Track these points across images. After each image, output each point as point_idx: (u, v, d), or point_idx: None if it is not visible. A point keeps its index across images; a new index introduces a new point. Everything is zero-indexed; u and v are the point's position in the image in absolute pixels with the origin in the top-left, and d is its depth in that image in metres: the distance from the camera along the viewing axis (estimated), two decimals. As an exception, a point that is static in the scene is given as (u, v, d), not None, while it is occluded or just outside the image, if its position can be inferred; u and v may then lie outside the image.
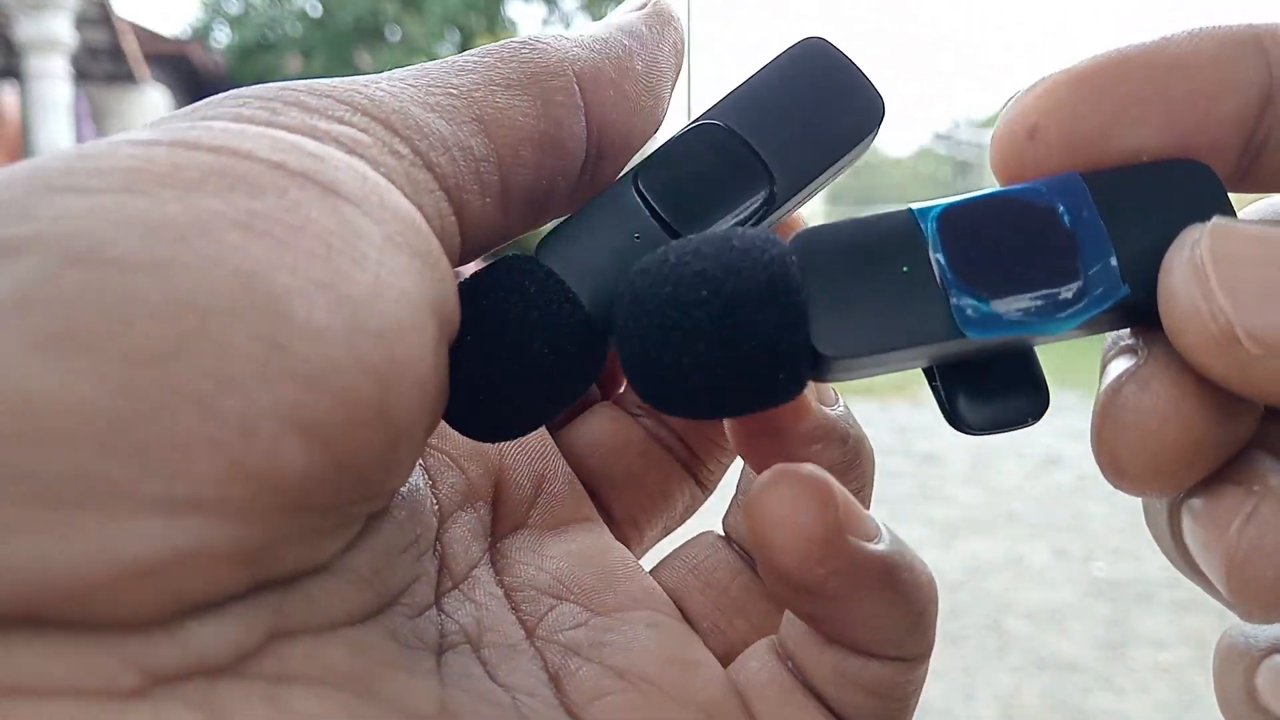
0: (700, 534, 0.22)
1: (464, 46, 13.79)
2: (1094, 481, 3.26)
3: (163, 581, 0.13)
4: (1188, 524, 0.16)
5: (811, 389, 0.19)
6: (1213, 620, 2.07)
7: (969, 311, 0.16)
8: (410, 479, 0.19)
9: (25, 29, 5.67)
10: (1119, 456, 0.16)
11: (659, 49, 0.20)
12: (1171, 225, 0.16)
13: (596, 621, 0.19)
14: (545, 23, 15.54)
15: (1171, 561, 0.18)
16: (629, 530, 0.22)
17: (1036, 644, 2.00)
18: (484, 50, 0.18)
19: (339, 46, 14.25)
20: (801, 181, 0.19)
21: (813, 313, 0.16)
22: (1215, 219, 0.15)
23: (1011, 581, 2.33)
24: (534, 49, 0.18)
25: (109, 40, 6.75)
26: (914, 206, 0.17)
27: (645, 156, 0.19)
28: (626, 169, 0.19)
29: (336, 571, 0.16)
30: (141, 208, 0.13)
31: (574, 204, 0.19)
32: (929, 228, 0.16)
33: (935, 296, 0.16)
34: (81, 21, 6.13)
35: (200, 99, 0.17)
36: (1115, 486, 0.16)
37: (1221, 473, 0.16)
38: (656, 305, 0.16)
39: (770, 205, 0.19)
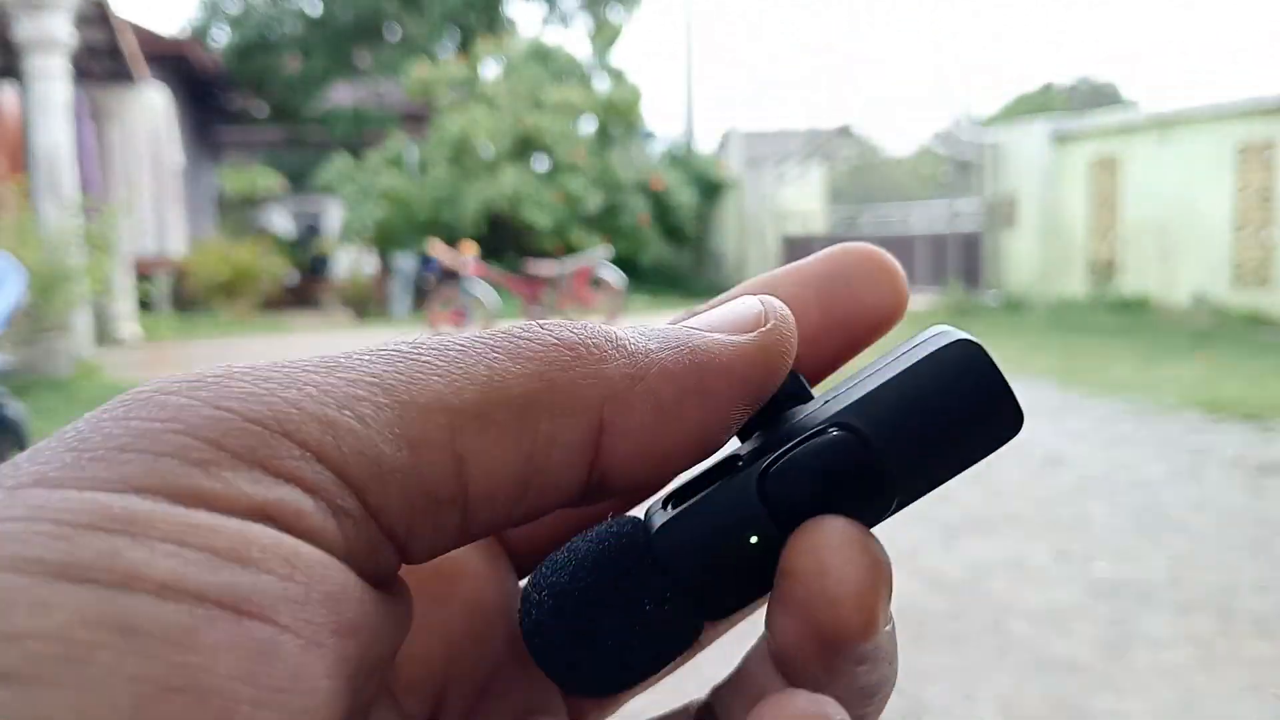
0: (681, 711, 0.19)
1: (464, 45, 13.80)
2: (1095, 482, 3.25)
3: None
4: None
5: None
6: (1213, 621, 2.07)
7: None
8: None
9: (25, 29, 5.67)
10: None
11: (744, 385, 0.17)
12: None
13: None
14: (544, 22, 15.54)
15: None
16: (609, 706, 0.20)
17: (1037, 644, 2.00)
18: (505, 340, 0.15)
19: (338, 45, 14.24)
20: (916, 495, 0.18)
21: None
22: None
23: (1012, 582, 2.32)
24: (579, 355, 0.16)
25: (108, 39, 6.75)
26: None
27: (773, 456, 0.17)
28: (745, 448, 0.18)
29: None
30: None
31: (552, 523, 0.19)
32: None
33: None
34: (81, 21, 6.12)
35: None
36: None
37: None
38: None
39: (878, 519, 0.18)
